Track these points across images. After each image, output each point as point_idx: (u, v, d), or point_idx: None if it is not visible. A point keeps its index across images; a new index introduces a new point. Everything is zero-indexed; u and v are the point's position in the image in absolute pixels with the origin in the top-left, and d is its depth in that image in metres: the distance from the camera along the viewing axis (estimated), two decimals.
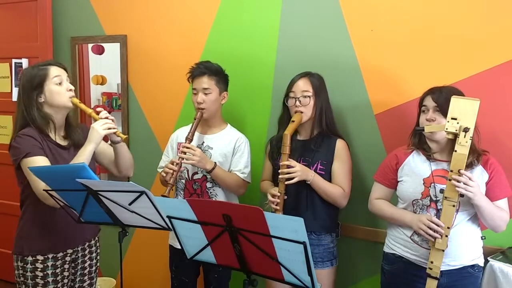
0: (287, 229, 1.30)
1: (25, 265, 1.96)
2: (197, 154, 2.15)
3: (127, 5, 2.97)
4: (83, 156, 1.88)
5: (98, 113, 2.00)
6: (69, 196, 1.75)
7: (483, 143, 1.88)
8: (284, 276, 1.44)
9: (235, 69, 2.46)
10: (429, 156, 1.92)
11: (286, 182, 2.02)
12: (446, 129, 1.70)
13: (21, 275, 1.97)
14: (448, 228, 1.73)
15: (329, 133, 2.17)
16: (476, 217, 1.88)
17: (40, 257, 1.96)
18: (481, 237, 1.92)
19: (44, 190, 1.75)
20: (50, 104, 1.95)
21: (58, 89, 1.94)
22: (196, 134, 2.29)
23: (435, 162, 1.90)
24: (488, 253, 1.97)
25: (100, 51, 3.47)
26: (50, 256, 1.97)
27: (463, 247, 1.85)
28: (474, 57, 2.09)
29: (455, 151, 1.70)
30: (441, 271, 1.76)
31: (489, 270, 1.94)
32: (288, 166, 2.01)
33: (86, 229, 2.08)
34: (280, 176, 2.02)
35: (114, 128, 1.96)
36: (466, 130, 1.67)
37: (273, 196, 2.05)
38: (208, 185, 2.30)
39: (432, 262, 1.76)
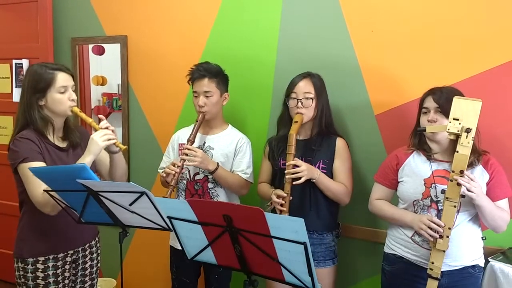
0: (287, 230, 1.30)
1: (25, 266, 1.95)
2: (199, 155, 2.15)
3: (128, 6, 2.97)
4: None
5: (98, 122, 1.98)
6: (69, 196, 1.75)
7: (483, 143, 1.88)
8: (284, 277, 1.44)
9: (235, 69, 2.46)
10: (430, 157, 1.92)
11: (294, 183, 2.01)
12: (448, 129, 1.70)
13: (21, 276, 1.97)
14: (449, 228, 1.73)
15: (328, 132, 2.18)
16: (476, 218, 1.88)
17: (41, 258, 1.95)
18: (482, 237, 1.92)
19: (44, 190, 1.74)
20: (50, 110, 1.95)
21: (60, 97, 1.93)
22: (198, 134, 2.29)
23: (435, 163, 1.90)
24: (489, 253, 1.97)
25: (100, 51, 3.47)
26: (51, 257, 1.97)
27: (463, 247, 1.85)
28: (475, 57, 2.09)
29: (457, 151, 1.69)
30: (441, 272, 1.75)
31: (489, 270, 1.94)
32: (294, 166, 2.01)
33: (85, 231, 2.07)
34: (287, 177, 2.01)
35: (113, 139, 1.93)
36: (468, 130, 1.67)
37: (278, 197, 2.05)
38: (210, 185, 2.30)
39: (433, 263, 1.75)
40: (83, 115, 1.99)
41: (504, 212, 1.84)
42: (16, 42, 3.28)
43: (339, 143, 2.17)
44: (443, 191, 1.75)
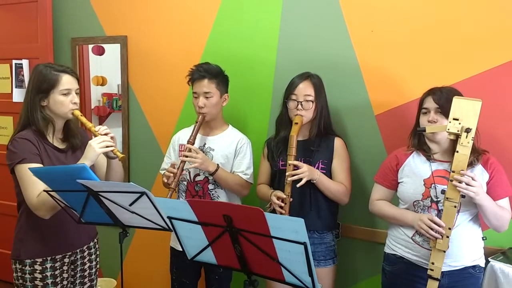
0: (287, 230, 1.30)
1: (23, 268, 1.94)
2: (199, 156, 2.15)
3: (128, 6, 2.97)
4: None
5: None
6: (69, 196, 1.75)
7: (483, 143, 1.88)
8: (284, 277, 1.44)
9: (235, 70, 2.46)
10: (429, 157, 1.92)
11: (297, 184, 2.00)
12: (448, 129, 1.70)
13: (19, 278, 1.96)
14: (449, 229, 1.73)
15: (326, 132, 2.18)
16: (477, 218, 1.88)
17: (38, 260, 1.94)
18: (482, 237, 1.92)
19: (44, 190, 1.74)
20: (51, 111, 1.94)
21: (62, 99, 1.92)
22: (198, 136, 2.29)
23: (435, 163, 1.90)
24: (489, 253, 1.97)
25: (100, 52, 3.47)
26: (49, 258, 1.96)
27: (464, 247, 1.85)
28: (475, 57, 2.09)
29: (457, 151, 1.69)
30: (442, 272, 1.75)
31: (489, 270, 1.93)
32: (295, 168, 2.01)
33: (83, 232, 2.07)
34: (288, 179, 2.01)
35: (111, 146, 1.90)
36: (468, 130, 1.67)
37: (278, 198, 2.04)
38: (210, 186, 2.30)
39: (433, 263, 1.75)
40: (83, 119, 1.97)
41: (506, 211, 1.84)
42: (16, 42, 3.28)
43: (337, 143, 2.17)
44: (443, 191, 1.75)
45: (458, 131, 1.68)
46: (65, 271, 2.03)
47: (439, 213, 1.83)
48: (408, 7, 2.21)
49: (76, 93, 1.97)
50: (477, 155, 1.84)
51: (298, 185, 2.00)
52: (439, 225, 1.73)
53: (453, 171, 1.70)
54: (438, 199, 1.85)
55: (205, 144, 2.34)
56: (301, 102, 2.11)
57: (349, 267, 2.44)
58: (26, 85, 2.03)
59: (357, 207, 2.32)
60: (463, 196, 1.72)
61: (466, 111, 1.69)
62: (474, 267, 1.88)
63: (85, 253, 2.11)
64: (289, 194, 2.02)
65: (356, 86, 2.34)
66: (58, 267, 1.99)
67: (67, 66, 2.01)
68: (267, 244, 1.37)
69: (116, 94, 3.64)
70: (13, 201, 2.03)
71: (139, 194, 1.61)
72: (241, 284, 1.51)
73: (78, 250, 2.07)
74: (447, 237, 1.73)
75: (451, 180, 1.70)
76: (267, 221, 1.32)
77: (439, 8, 2.14)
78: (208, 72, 2.25)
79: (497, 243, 2.05)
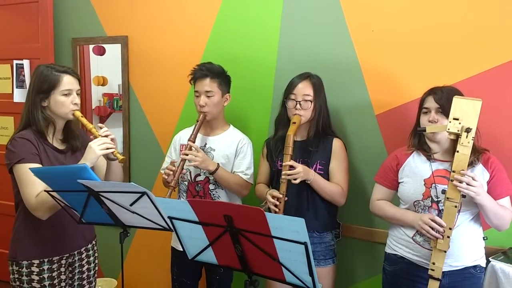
0: (288, 230, 1.30)
1: (20, 269, 1.93)
2: (200, 155, 2.15)
3: (128, 6, 2.97)
4: None
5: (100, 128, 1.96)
6: (70, 197, 1.75)
7: (483, 143, 1.88)
8: (285, 277, 1.44)
9: (236, 70, 2.46)
10: (430, 157, 1.92)
11: (293, 182, 2.01)
12: (448, 129, 1.70)
13: (16, 279, 1.95)
14: (450, 229, 1.73)
15: (325, 133, 2.18)
16: (478, 218, 1.88)
17: (35, 261, 1.93)
18: (483, 237, 1.92)
19: (45, 190, 1.74)
20: (52, 112, 1.94)
21: (63, 100, 1.92)
22: (199, 136, 2.29)
23: (435, 163, 1.90)
24: (490, 253, 1.97)
25: (101, 52, 3.47)
26: (46, 260, 1.95)
27: (465, 247, 1.85)
28: (475, 57, 2.09)
29: (457, 151, 1.69)
30: (443, 272, 1.75)
31: (490, 270, 1.93)
32: (291, 167, 2.01)
33: (81, 234, 2.06)
34: (283, 177, 2.02)
35: (112, 148, 1.90)
36: (468, 130, 1.67)
37: (273, 197, 2.05)
38: (211, 187, 2.30)
39: (434, 263, 1.75)
40: (84, 120, 1.97)
41: (507, 210, 1.84)
42: (17, 42, 3.28)
43: (336, 143, 2.17)
44: (443, 191, 1.75)
45: (458, 130, 1.68)
46: (62, 273, 2.01)
47: (440, 213, 1.83)
48: (408, 7, 2.20)
49: (77, 94, 1.97)
50: (477, 154, 1.84)
51: (293, 182, 2.00)
52: (440, 225, 1.73)
53: (453, 171, 1.70)
54: (439, 199, 1.85)
55: (206, 144, 2.34)
56: (299, 101, 2.11)
57: (349, 267, 2.44)
58: (27, 85, 2.03)
59: (357, 207, 2.32)
60: (463, 196, 1.72)
61: (466, 111, 1.68)
62: (475, 267, 1.88)
63: (83, 255, 2.10)
64: (284, 193, 2.03)
65: (357, 86, 2.34)
66: (55, 269, 1.98)
67: (69, 67, 2.01)
68: (268, 244, 1.37)
69: (117, 94, 3.64)
70: (11, 201, 2.03)
71: (139, 194, 1.61)
72: (242, 284, 1.52)
73: (75, 252, 2.05)
74: (448, 237, 1.73)
75: (452, 180, 1.70)
76: (268, 221, 1.32)
77: (440, 8, 2.14)
78: (210, 71, 2.25)
79: (498, 243, 2.05)
